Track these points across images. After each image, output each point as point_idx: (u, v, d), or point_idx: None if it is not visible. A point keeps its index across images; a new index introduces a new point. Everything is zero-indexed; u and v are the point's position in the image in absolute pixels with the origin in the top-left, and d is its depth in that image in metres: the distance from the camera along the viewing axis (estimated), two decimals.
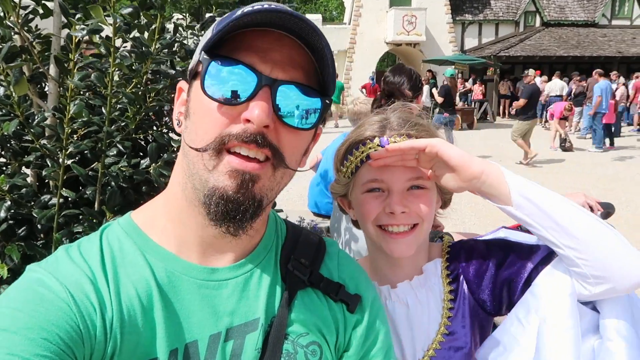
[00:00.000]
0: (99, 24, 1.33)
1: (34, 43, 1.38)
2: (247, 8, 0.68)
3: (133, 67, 1.35)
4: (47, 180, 1.48)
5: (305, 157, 0.82)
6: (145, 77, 1.36)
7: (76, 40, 1.29)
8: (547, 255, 1.00)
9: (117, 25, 1.25)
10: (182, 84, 0.80)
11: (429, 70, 17.46)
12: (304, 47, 0.72)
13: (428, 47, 20.93)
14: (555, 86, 16.36)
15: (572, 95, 15.33)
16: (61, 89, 1.46)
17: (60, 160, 1.25)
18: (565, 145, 12.00)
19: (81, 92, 1.55)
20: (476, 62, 17.84)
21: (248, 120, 0.67)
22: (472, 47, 22.96)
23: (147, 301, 0.70)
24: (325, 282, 0.83)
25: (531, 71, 11.20)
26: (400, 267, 1.11)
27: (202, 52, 0.69)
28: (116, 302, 0.68)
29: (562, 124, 12.27)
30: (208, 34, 0.74)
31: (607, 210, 2.46)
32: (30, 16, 1.36)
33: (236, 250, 0.78)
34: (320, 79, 0.74)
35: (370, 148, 1.02)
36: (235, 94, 0.68)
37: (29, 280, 0.67)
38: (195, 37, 1.92)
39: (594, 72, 11.46)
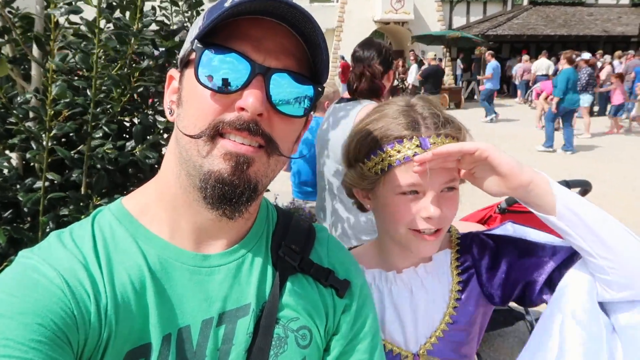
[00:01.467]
0: (80, 2, 1.31)
1: (15, 24, 1.36)
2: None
3: (118, 48, 1.33)
4: (32, 164, 1.47)
5: (297, 144, 0.83)
6: (129, 58, 1.35)
7: (55, 20, 1.27)
8: (567, 257, 1.01)
9: (100, 6, 1.23)
10: (173, 72, 0.80)
11: (412, 51, 17.32)
12: (296, 35, 0.72)
13: (416, 26, 20.76)
14: (542, 65, 16.41)
15: (558, 74, 15.38)
16: (43, 70, 1.44)
17: (45, 142, 1.24)
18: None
19: (63, 74, 1.54)
20: (464, 36, 17.75)
21: (242, 109, 0.68)
22: (460, 26, 22.82)
23: (140, 287, 0.71)
24: (315, 267, 0.85)
25: (430, 53, 11.44)
26: (410, 257, 1.12)
27: (196, 40, 0.69)
28: (110, 288, 0.68)
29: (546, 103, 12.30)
30: (199, 21, 0.74)
31: (585, 188, 2.53)
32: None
33: (228, 237, 0.79)
34: (312, 66, 0.75)
35: (408, 149, 0.98)
36: (228, 82, 0.68)
37: (22, 267, 0.67)
38: (181, 16, 1.90)
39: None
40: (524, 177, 0.94)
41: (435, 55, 15.01)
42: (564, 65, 9.50)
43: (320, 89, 0.75)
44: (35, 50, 1.42)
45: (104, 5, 1.28)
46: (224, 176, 0.69)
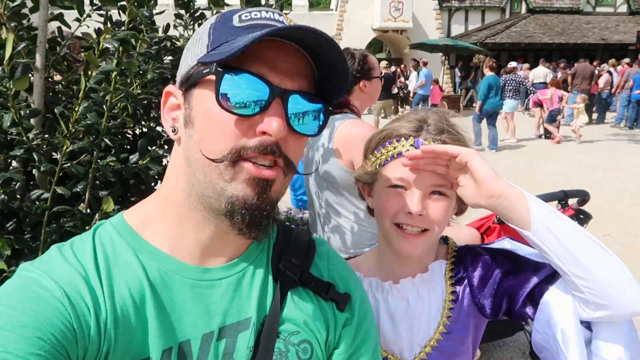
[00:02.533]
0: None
1: (20, 36, 1.37)
2: (267, 17, 0.71)
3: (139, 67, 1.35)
4: (33, 174, 1.48)
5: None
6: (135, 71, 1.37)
7: (102, 47, 1.29)
8: (551, 274, 1.03)
9: (130, 24, 1.26)
10: (172, 89, 0.79)
11: (413, 59, 17.42)
12: (304, 53, 0.73)
13: (415, 34, 20.87)
14: (539, 73, 16.48)
15: None
16: (49, 81, 1.45)
17: (59, 156, 1.25)
18: (548, 133, 12.12)
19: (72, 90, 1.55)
20: (461, 46, 17.86)
21: (264, 132, 0.69)
22: (458, 34, 22.96)
23: (140, 301, 0.71)
24: (315, 281, 0.85)
25: (383, 63, 12.01)
26: (407, 264, 1.14)
27: (214, 64, 0.69)
28: (110, 302, 0.68)
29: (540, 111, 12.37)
30: (203, 38, 0.74)
31: (583, 198, 2.54)
32: (18, 8, 1.35)
33: (230, 251, 0.80)
34: (317, 83, 0.77)
35: (403, 146, 1.05)
36: (249, 105, 0.69)
37: (23, 279, 0.68)
38: (183, 28, 1.91)
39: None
40: (496, 187, 0.96)
41: (387, 63, 15.84)
42: (486, 72, 10.73)
43: (330, 108, 0.77)
44: (38, 61, 1.43)
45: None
46: (250, 202, 0.70)
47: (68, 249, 0.73)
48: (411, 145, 1.04)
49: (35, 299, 0.64)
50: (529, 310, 1.04)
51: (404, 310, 1.11)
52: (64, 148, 1.22)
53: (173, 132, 0.78)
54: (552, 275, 1.03)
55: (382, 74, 2.38)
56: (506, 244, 1.18)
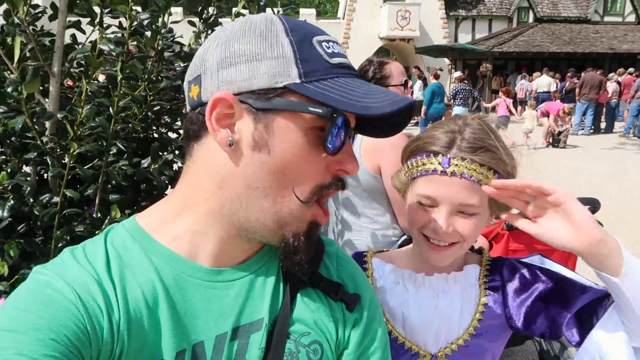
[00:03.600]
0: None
1: (38, 41, 1.40)
2: (350, 65, 0.76)
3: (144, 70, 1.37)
4: (46, 178, 1.49)
5: None
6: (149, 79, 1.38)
7: (98, 49, 1.31)
8: (598, 298, 1.00)
9: (130, 29, 1.28)
10: (228, 96, 0.69)
11: (416, 67, 17.45)
12: None
13: (421, 43, 20.93)
14: (543, 82, 16.45)
15: (564, 92, 15.43)
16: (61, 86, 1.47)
17: (67, 160, 1.26)
18: (558, 141, 12.09)
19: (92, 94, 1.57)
20: (466, 48, 17.92)
21: (344, 171, 0.74)
22: (465, 43, 23.01)
23: (153, 303, 0.71)
24: (325, 282, 0.85)
25: None
26: (437, 267, 1.14)
27: (330, 109, 0.68)
28: (123, 304, 0.68)
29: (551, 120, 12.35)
30: (286, 53, 0.69)
31: (593, 206, 2.52)
32: (40, 15, 1.38)
33: (243, 253, 0.80)
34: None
35: (432, 164, 1.03)
36: (339, 147, 0.72)
37: (36, 282, 0.68)
38: (195, 36, 1.93)
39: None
40: (597, 233, 0.89)
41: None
42: (431, 80, 11.96)
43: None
44: (55, 67, 1.45)
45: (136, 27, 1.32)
46: (301, 237, 0.75)
47: (80, 252, 0.73)
48: (439, 163, 1.02)
49: (48, 301, 0.64)
50: (568, 332, 1.02)
51: (435, 304, 1.12)
52: (72, 151, 1.23)
53: (230, 145, 0.71)
54: (600, 299, 1.00)
55: (403, 82, 2.38)
56: (536, 259, 1.16)
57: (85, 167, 1.33)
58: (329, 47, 0.73)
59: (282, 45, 0.69)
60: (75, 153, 1.23)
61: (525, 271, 1.12)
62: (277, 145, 0.70)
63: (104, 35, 1.32)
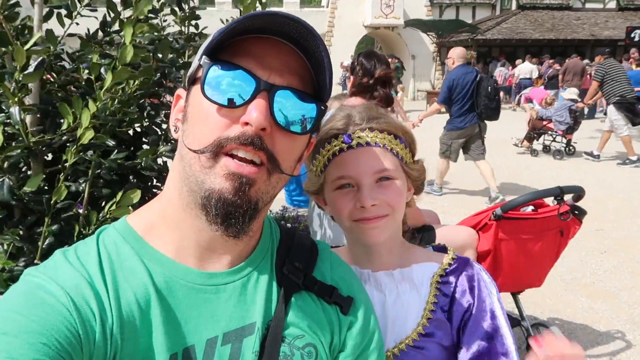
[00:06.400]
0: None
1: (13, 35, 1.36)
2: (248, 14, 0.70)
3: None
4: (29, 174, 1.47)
5: (299, 164, 0.83)
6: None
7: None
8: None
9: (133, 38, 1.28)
10: (181, 92, 0.81)
11: (392, 56, 17.33)
12: (300, 53, 0.74)
13: (406, 31, 20.92)
14: (525, 69, 16.59)
15: (546, 79, 15.58)
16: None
17: (73, 150, 1.26)
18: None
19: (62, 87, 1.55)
20: (462, 22, 17.95)
21: (246, 123, 0.69)
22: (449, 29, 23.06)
23: (146, 306, 0.70)
24: (319, 285, 0.85)
25: None
26: (377, 256, 1.13)
27: (203, 56, 0.71)
28: (116, 307, 0.68)
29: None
30: (207, 41, 0.75)
31: (578, 194, 2.57)
32: (14, 8, 1.34)
33: (233, 255, 0.79)
34: (315, 85, 0.76)
35: (335, 146, 1.05)
36: (234, 97, 0.69)
37: (28, 285, 0.67)
38: (177, 25, 1.91)
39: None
40: None
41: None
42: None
43: (323, 107, 0.77)
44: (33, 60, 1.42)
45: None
46: (226, 196, 0.69)
47: (72, 253, 0.72)
48: (342, 142, 1.05)
49: (40, 304, 0.64)
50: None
51: (382, 302, 1.10)
52: (82, 140, 1.22)
53: (175, 131, 0.79)
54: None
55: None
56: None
57: (74, 160, 1.31)
58: (249, 15, 0.72)
59: (210, 36, 0.75)
60: (84, 142, 1.21)
61: (480, 284, 1.10)
62: (190, 111, 0.74)
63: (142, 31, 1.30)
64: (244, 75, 0.69)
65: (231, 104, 0.69)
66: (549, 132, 9.86)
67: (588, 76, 14.78)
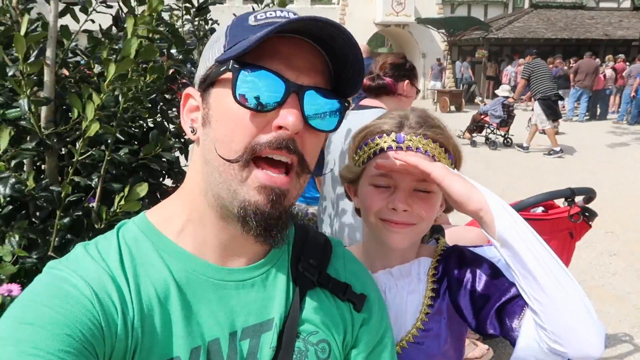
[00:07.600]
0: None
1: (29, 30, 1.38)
2: (282, 16, 0.72)
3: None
4: (43, 168, 1.49)
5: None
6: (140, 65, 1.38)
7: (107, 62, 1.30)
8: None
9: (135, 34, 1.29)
10: (191, 91, 0.80)
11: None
12: (320, 49, 0.74)
13: (417, 29, 20.80)
14: None
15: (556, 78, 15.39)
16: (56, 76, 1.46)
17: (79, 145, 1.27)
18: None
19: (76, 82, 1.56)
20: (475, 19, 17.78)
21: (280, 127, 0.70)
22: (460, 29, 22.91)
23: (166, 300, 0.72)
24: (332, 282, 0.86)
25: None
26: (389, 258, 1.14)
27: (231, 61, 0.70)
28: (137, 301, 0.69)
29: None
30: (220, 40, 0.75)
31: (589, 195, 2.55)
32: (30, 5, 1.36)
33: (252, 251, 0.81)
34: (333, 80, 0.77)
35: (385, 142, 1.05)
36: (265, 101, 0.69)
37: (53, 277, 0.69)
38: (189, 23, 1.92)
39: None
40: (472, 206, 0.93)
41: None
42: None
43: (347, 104, 0.77)
44: (48, 55, 1.43)
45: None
46: (262, 208, 0.70)
47: (93, 248, 0.73)
48: (393, 140, 1.04)
49: (65, 296, 0.65)
50: (492, 326, 0.99)
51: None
52: (89, 132, 1.23)
53: (192, 132, 0.79)
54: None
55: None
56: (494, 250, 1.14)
57: (85, 155, 1.33)
58: (261, 16, 0.73)
59: (220, 34, 0.76)
60: (86, 137, 1.22)
61: (470, 258, 1.10)
62: (213, 114, 0.74)
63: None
64: (274, 77, 0.69)
65: (263, 107, 0.70)
66: (486, 125, 10.78)
67: (602, 76, 14.64)
